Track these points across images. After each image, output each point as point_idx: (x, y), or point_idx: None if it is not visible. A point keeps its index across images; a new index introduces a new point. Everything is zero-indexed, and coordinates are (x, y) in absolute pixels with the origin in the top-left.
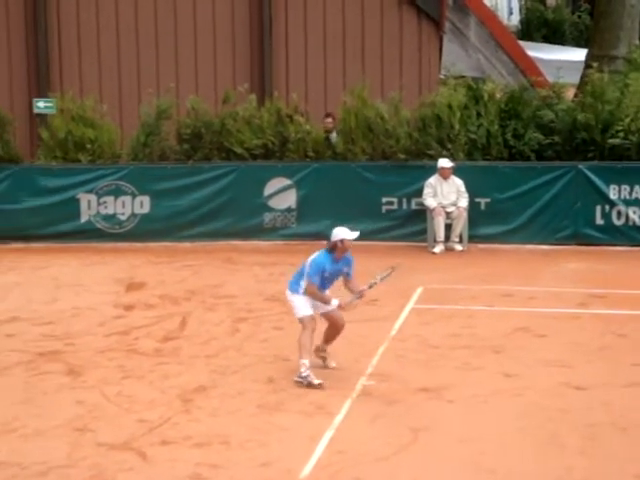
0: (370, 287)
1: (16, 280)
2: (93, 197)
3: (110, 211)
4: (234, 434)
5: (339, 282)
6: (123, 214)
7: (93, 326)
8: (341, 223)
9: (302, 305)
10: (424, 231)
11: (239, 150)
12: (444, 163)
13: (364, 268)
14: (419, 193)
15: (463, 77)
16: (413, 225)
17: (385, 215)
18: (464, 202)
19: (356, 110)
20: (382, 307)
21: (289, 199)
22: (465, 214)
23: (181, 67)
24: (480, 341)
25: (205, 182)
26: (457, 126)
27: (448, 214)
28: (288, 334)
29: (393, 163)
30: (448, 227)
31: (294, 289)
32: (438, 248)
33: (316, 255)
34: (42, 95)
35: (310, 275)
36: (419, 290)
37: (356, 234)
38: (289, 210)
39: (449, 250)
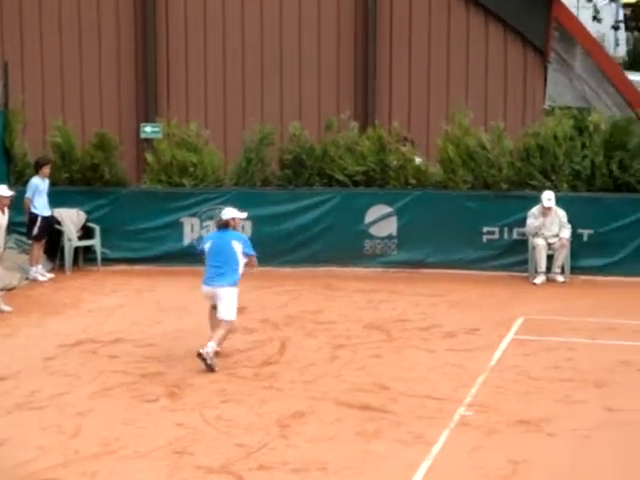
0: None
1: (120, 302)
2: (196, 221)
3: None
4: (331, 461)
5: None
6: None
7: (194, 349)
8: (441, 252)
9: (235, 308)
10: (525, 261)
11: (340, 176)
12: (546, 202)
13: (465, 297)
14: (521, 223)
15: (568, 108)
16: (514, 255)
17: (486, 244)
18: (566, 233)
19: (457, 139)
20: (482, 337)
21: (390, 226)
22: (567, 245)
23: (285, 93)
24: (581, 374)
25: (306, 208)
26: (561, 157)
27: (550, 245)
28: (386, 362)
29: (495, 192)
30: (550, 258)
31: (235, 281)
32: (539, 279)
33: (234, 237)
34: (149, 120)
35: (252, 249)
36: (520, 320)
37: (245, 214)
38: (390, 237)
39: (550, 281)
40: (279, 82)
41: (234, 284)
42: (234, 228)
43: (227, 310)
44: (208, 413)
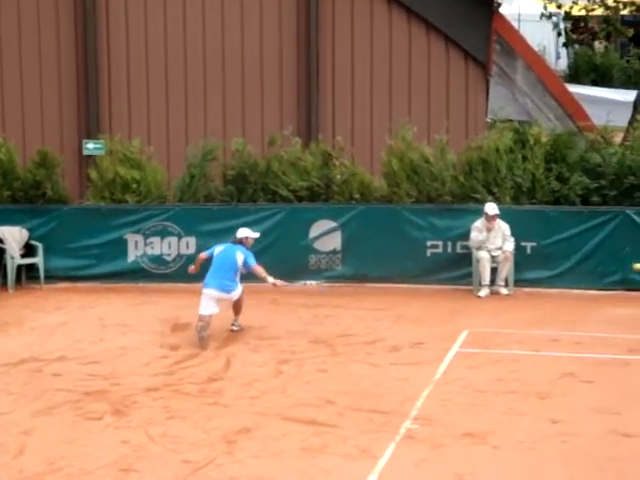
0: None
1: (63, 320)
2: (140, 237)
3: (156, 252)
4: (277, 476)
5: None
6: (169, 255)
7: (139, 366)
8: (386, 266)
9: (203, 302)
10: (469, 275)
11: (284, 192)
12: (490, 210)
13: (409, 311)
14: (464, 236)
15: (510, 121)
16: (458, 268)
17: (430, 258)
18: (510, 246)
19: (401, 153)
20: (427, 350)
21: (334, 241)
22: (511, 258)
23: (228, 109)
24: (526, 386)
25: (250, 223)
26: (503, 170)
27: (494, 258)
28: (332, 377)
29: (438, 206)
30: (494, 271)
31: (234, 287)
32: (483, 292)
33: (239, 249)
34: (92, 137)
35: (254, 259)
36: (464, 334)
37: (257, 234)
38: (334, 252)
39: (495, 294)
40: (222, 98)
41: (238, 285)
42: (247, 246)
43: (236, 295)
44: (153, 430)
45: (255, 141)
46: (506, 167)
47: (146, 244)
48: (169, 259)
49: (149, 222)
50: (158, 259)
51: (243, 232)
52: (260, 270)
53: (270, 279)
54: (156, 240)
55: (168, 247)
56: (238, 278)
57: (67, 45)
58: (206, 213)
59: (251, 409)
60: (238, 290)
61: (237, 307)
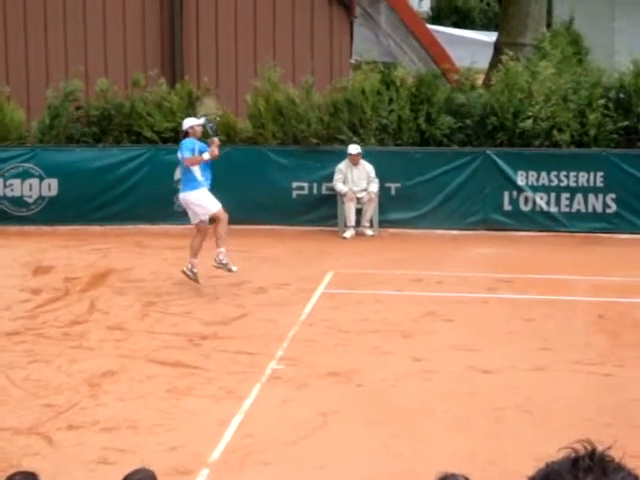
0: (214, 135)
1: None
2: None
3: (17, 193)
4: (142, 418)
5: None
6: (30, 197)
7: None
8: (251, 207)
9: (210, 200)
10: (335, 216)
11: (149, 134)
12: (352, 149)
13: (275, 252)
14: (330, 178)
15: (375, 62)
16: (324, 210)
17: (295, 200)
18: (374, 187)
19: (266, 94)
20: (292, 292)
21: None
22: (376, 199)
23: (90, 50)
24: (389, 325)
25: (115, 165)
26: (369, 111)
27: (359, 199)
28: (197, 318)
29: (304, 148)
30: (359, 212)
31: (192, 186)
32: (349, 233)
33: (181, 143)
34: None
35: (184, 154)
36: (329, 275)
37: (202, 120)
38: None
39: (360, 235)
40: (83, 38)
41: (190, 187)
42: (194, 135)
43: (201, 211)
44: (14, 374)
45: (118, 82)
46: (371, 108)
47: (6, 186)
48: (30, 201)
49: (8, 163)
50: (19, 201)
51: (187, 122)
52: (191, 159)
53: (205, 155)
54: (16, 182)
55: (29, 189)
56: (191, 177)
57: None
58: (69, 155)
59: (116, 352)
60: (191, 195)
61: (215, 231)
